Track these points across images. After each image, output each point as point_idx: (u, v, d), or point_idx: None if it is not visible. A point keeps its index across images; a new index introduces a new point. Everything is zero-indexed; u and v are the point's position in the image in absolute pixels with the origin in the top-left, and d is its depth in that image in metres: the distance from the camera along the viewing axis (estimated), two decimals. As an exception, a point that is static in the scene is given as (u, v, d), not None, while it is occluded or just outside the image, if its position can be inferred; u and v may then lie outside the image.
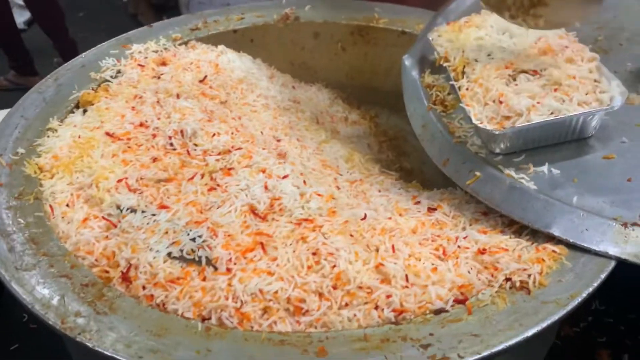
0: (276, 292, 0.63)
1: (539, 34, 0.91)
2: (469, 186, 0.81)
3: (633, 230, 0.66)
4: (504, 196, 0.77)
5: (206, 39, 1.21)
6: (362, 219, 0.79)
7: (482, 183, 0.80)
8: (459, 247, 0.72)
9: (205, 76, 1.04)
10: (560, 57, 0.86)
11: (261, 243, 0.68)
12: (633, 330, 1.00)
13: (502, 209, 0.76)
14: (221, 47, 1.16)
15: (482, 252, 0.70)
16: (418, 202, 0.86)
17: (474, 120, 0.80)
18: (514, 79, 0.84)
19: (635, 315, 1.02)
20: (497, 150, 0.82)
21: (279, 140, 0.99)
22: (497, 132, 0.79)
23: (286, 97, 1.19)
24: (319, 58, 1.34)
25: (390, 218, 0.80)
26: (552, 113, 0.78)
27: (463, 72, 0.89)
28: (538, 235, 0.72)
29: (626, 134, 0.82)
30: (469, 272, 0.68)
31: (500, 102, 0.80)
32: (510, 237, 0.73)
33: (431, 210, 0.83)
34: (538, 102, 0.79)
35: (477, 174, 0.81)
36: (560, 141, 0.82)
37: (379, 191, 0.95)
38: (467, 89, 0.85)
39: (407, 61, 1.07)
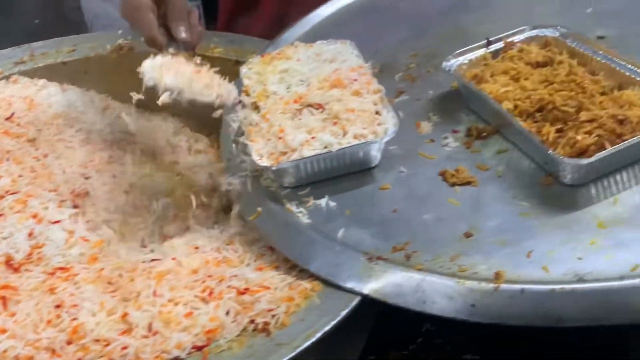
0: (5, 350, 0.60)
1: (335, 66, 0.93)
2: (252, 221, 0.81)
3: (377, 264, 0.67)
4: (279, 232, 0.78)
5: (32, 72, 1.17)
6: (143, 262, 0.77)
7: (264, 218, 0.80)
8: (228, 287, 0.71)
9: (13, 113, 1.00)
10: (348, 90, 0.87)
11: (3, 297, 0.65)
12: (459, 350, 1.02)
13: (277, 246, 0.76)
14: (42, 81, 1.12)
15: (243, 292, 0.69)
16: (216, 238, 0.85)
17: (253, 156, 0.80)
18: (301, 113, 0.85)
19: (462, 336, 1.04)
20: (286, 184, 0.82)
21: (87, 178, 0.96)
22: (273, 168, 0.79)
23: (117, 129, 1.16)
24: (162, 87, 1.31)
25: (174, 258, 0.78)
26: (325, 147, 0.79)
27: (258, 107, 0.89)
28: (306, 271, 0.72)
29: (407, 163, 0.83)
30: (226, 314, 0.67)
31: (280, 138, 0.80)
32: (279, 274, 0.73)
33: (223, 247, 0.82)
34: (313, 137, 0.79)
35: (259, 209, 0.80)
36: (346, 172, 0.83)
37: (187, 228, 0.94)
38: (256, 123, 0.85)
39: (231, 92, 1.06)
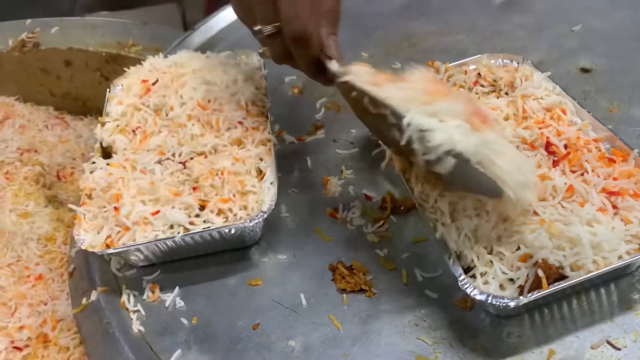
0: None
1: (223, 93, 0.65)
2: (75, 316, 0.57)
3: None
4: (100, 339, 0.53)
5: None
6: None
7: (88, 315, 0.56)
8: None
9: None
10: (227, 137, 0.60)
11: None
12: None
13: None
14: None
15: None
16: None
17: (74, 232, 0.55)
18: (157, 166, 0.59)
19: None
20: (132, 262, 0.58)
21: None
22: (97, 252, 0.54)
23: (15, 145, 0.92)
24: (82, 87, 1.06)
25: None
26: (171, 227, 0.53)
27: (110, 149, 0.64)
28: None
29: (295, 244, 0.58)
30: None
31: (115, 208, 0.55)
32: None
33: None
34: (156, 212, 0.53)
35: (84, 301, 0.56)
36: (211, 252, 0.57)
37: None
38: (93, 182, 0.59)
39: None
